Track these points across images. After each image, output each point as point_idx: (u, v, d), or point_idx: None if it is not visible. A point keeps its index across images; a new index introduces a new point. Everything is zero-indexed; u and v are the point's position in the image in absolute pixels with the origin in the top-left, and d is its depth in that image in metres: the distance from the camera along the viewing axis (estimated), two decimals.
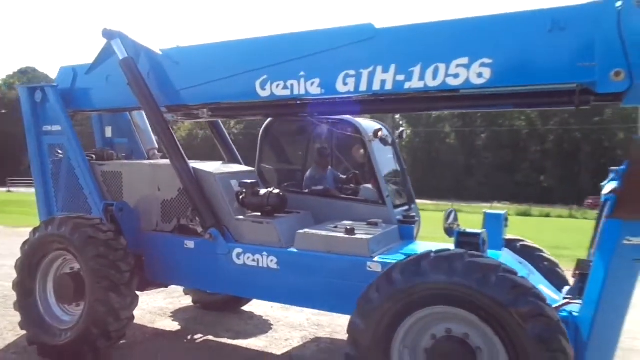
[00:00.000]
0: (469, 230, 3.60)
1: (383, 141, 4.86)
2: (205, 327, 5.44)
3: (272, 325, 5.61)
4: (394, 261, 3.60)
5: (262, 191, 4.44)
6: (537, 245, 4.52)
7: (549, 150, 49.79)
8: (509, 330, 2.67)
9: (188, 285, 5.44)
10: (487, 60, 3.47)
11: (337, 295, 3.81)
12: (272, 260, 4.06)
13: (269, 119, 5.17)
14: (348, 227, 3.98)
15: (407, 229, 4.48)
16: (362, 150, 4.84)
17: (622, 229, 2.80)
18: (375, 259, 3.73)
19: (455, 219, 4.19)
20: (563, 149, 48.65)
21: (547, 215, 29.51)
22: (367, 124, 4.89)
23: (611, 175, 4.06)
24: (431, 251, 2.99)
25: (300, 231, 4.10)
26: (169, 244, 4.61)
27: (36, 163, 5.31)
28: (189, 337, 5.13)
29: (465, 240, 3.47)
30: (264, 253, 4.10)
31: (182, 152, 4.57)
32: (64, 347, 4.19)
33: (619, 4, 3.09)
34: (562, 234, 16.30)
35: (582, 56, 3.23)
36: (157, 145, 5.96)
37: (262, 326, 5.55)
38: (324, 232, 4.02)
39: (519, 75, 3.42)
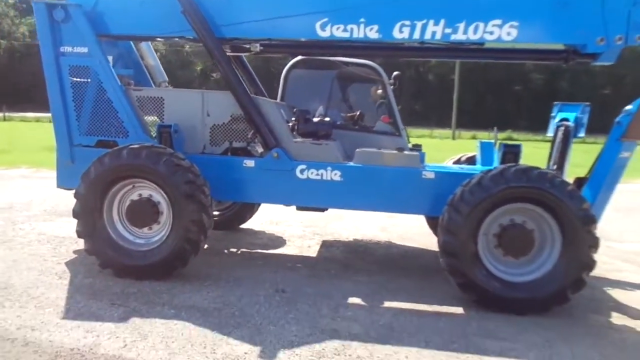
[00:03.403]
0: (511, 143, 5.07)
1: (394, 84, 5.85)
2: (229, 242, 6.01)
3: (282, 237, 6.41)
4: (446, 170, 4.84)
5: (315, 119, 5.14)
6: None
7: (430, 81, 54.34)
8: (563, 216, 4.08)
9: (246, 200, 5.75)
10: (515, 23, 4.65)
11: (394, 198, 4.85)
12: (336, 174, 4.85)
13: (295, 58, 5.71)
14: (397, 148, 5.03)
15: (420, 155, 5.64)
16: (380, 91, 5.75)
17: (622, 146, 4.41)
18: (428, 169, 4.85)
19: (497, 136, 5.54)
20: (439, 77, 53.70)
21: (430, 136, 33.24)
22: None
23: (555, 109, 5.74)
24: (510, 165, 4.25)
25: (359, 150, 4.97)
26: (226, 165, 5.01)
27: (54, 85, 5.06)
28: (226, 252, 5.69)
29: (509, 150, 4.88)
30: (328, 168, 4.85)
31: (242, 80, 4.95)
32: (154, 265, 4.50)
33: None
34: None
35: (579, 25, 4.61)
36: (167, 79, 5.99)
37: (275, 239, 6.32)
38: (380, 150, 4.97)
39: (536, 36, 4.69)
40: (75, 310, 3.87)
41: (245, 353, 3.31)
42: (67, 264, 4.98)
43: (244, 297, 4.28)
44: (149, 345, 3.35)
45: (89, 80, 5.07)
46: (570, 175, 4.92)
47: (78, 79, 5.09)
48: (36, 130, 26.87)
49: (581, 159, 5.44)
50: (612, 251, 6.27)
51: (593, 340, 3.76)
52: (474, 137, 38.01)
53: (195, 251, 4.56)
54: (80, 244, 5.52)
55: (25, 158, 13.80)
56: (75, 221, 6.31)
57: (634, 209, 9.39)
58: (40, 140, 19.37)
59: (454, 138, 36.02)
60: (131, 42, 5.81)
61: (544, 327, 3.94)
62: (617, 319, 4.24)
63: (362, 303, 4.30)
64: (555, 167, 5.14)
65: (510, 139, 35.63)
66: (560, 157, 5.18)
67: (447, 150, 17.58)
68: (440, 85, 49.86)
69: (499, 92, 56.27)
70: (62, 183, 5.30)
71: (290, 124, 5.16)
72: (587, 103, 5.33)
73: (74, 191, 4.65)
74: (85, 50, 5.00)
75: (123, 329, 3.58)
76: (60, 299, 4.07)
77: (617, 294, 4.86)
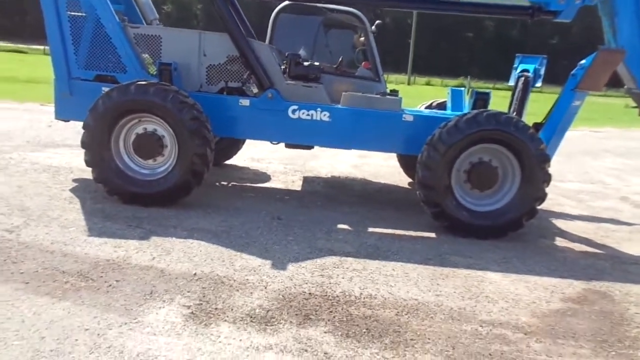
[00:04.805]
0: (481, 91, 5.66)
1: (375, 32, 6.27)
2: (219, 177, 6.43)
3: (266, 173, 6.90)
4: (423, 114, 5.43)
5: (305, 63, 5.53)
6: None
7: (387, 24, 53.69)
8: (523, 156, 4.78)
9: (240, 136, 6.12)
10: None
11: (377, 138, 5.40)
12: (325, 115, 5.32)
13: (284, 3, 5.99)
14: (378, 92, 5.54)
15: (399, 99, 6.18)
16: (362, 38, 6.17)
17: (575, 95, 5.11)
18: (407, 112, 5.41)
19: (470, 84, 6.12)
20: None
21: (386, 81, 33.36)
22: None
23: (517, 60, 6.34)
24: (482, 110, 4.86)
25: (346, 93, 5.44)
26: (223, 103, 5.36)
27: (52, 18, 5.16)
28: (218, 184, 6.13)
29: (480, 97, 5.50)
30: (318, 109, 5.31)
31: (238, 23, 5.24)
32: (161, 193, 4.89)
33: None
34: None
35: None
36: (157, 16, 6.11)
37: (261, 175, 6.80)
38: (365, 94, 5.46)
39: None
40: (96, 229, 4.27)
41: (259, 265, 3.87)
42: (71, 190, 5.28)
43: (246, 223, 4.80)
44: (174, 259, 3.84)
45: (86, 14, 5.19)
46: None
47: (76, 13, 5.20)
48: None
49: (530, 107, 6.09)
50: (556, 189, 7.17)
51: (541, 257, 4.57)
52: (428, 83, 38.95)
53: (198, 182, 4.98)
54: (76, 173, 5.89)
55: None
56: (62, 153, 6.61)
57: (574, 154, 10.47)
58: None
59: (409, 83, 36.77)
60: None
61: (502, 248, 4.71)
62: (560, 242, 5.10)
63: (350, 229, 4.92)
64: (515, 113, 5.81)
65: (463, 86, 37.30)
66: (520, 104, 5.84)
67: (405, 96, 18.29)
68: (396, 29, 50.07)
69: (452, 39, 56.93)
70: (60, 115, 5.50)
71: (282, 67, 5.53)
72: (545, 56, 5.96)
73: (82, 123, 4.88)
74: None
75: (147, 245, 4.04)
76: (79, 220, 4.44)
77: (560, 223, 5.73)
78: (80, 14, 5.20)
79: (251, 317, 3.10)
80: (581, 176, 8.55)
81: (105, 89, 4.98)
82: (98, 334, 2.77)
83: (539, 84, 5.93)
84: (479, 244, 4.75)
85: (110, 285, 3.33)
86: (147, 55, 5.53)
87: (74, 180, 5.66)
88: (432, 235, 4.95)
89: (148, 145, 4.96)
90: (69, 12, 5.19)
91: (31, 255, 3.66)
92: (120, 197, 4.97)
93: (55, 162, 6.33)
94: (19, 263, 3.53)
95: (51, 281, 3.31)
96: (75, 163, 6.36)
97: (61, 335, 2.73)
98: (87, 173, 5.42)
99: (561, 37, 52.11)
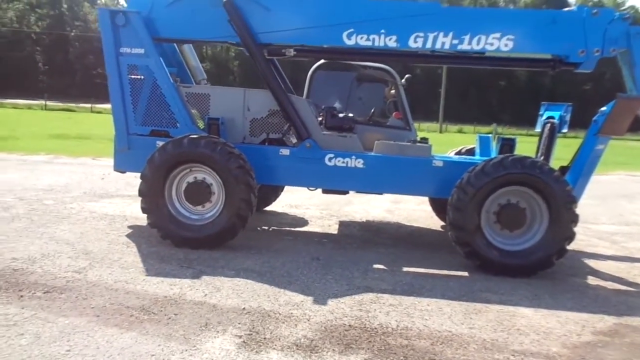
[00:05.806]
0: (507, 137, 5.94)
1: (404, 85, 6.74)
2: (260, 222, 6.84)
3: (303, 218, 7.27)
4: (452, 160, 5.75)
5: (340, 115, 6.00)
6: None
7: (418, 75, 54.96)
8: (550, 197, 5.01)
9: (281, 183, 6.60)
10: (511, 36, 5.55)
11: (408, 183, 5.73)
12: (359, 162, 5.70)
13: (320, 61, 6.56)
14: (409, 140, 5.92)
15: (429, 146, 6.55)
16: (393, 91, 6.65)
17: (597, 140, 5.36)
18: (437, 158, 5.74)
19: (497, 131, 6.46)
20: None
21: (418, 129, 34.03)
22: None
23: (543, 108, 6.65)
24: (508, 155, 5.17)
25: (378, 142, 5.84)
26: (264, 153, 5.83)
27: (114, 81, 5.81)
28: (259, 229, 6.53)
29: (506, 143, 5.80)
30: (353, 157, 5.71)
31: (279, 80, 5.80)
32: (209, 237, 5.32)
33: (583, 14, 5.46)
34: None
35: (565, 39, 5.53)
36: (206, 77, 6.77)
37: (299, 219, 7.18)
38: (397, 142, 5.85)
39: (529, 47, 5.60)
40: (153, 270, 4.69)
41: (302, 301, 4.17)
42: (127, 236, 5.76)
43: (287, 263, 5.14)
44: (224, 295, 4.19)
45: (144, 77, 5.84)
46: (553, 166, 5.85)
47: (135, 76, 5.86)
48: (33, 118, 27.26)
49: (562, 152, 6.32)
50: (589, 231, 7.27)
51: (572, 295, 4.71)
52: (460, 131, 39.26)
53: (243, 226, 5.39)
54: (130, 220, 6.39)
55: (38, 145, 14.37)
56: (115, 202, 7.20)
57: (608, 197, 10.48)
58: (44, 129, 19.92)
59: (441, 131, 37.18)
60: (174, 44, 6.56)
61: (533, 285, 4.87)
62: (591, 280, 5.21)
63: (385, 268, 5.19)
64: (542, 157, 6.07)
65: (495, 133, 37.61)
66: (547, 149, 6.10)
67: (436, 143, 18.56)
68: (427, 80, 51.05)
69: (483, 87, 57.44)
70: (119, 167, 6.07)
71: (319, 119, 6.02)
72: (570, 103, 6.26)
73: (139, 174, 5.41)
74: (142, 51, 5.77)
75: (199, 284, 4.42)
76: (137, 262, 4.87)
77: (592, 263, 5.84)
78: (139, 77, 5.85)
79: (297, 345, 3.39)
80: (616, 218, 8.58)
81: (160, 143, 5.54)
82: (163, 359, 3.11)
83: (565, 130, 6.20)
84: (511, 282, 4.92)
85: (169, 318, 3.69)
86: (195, 111, 6.11)
87: (129, 227, 6.15)
88: (465, 273, 5.16)
89: (198, 193, 5.44)
90: (129, 76, 5.85)
91: (98, 293, 4.08)
92: (172, 241, 5.41)
93: (111, 211, 6.89)
94: (89, 299, 3.95)
95: (118, 315, 3.70)
96: (128, 211, 6.90)
97: None
98: (140, 220, 5.94)
99: (594, 83, 51.95)
